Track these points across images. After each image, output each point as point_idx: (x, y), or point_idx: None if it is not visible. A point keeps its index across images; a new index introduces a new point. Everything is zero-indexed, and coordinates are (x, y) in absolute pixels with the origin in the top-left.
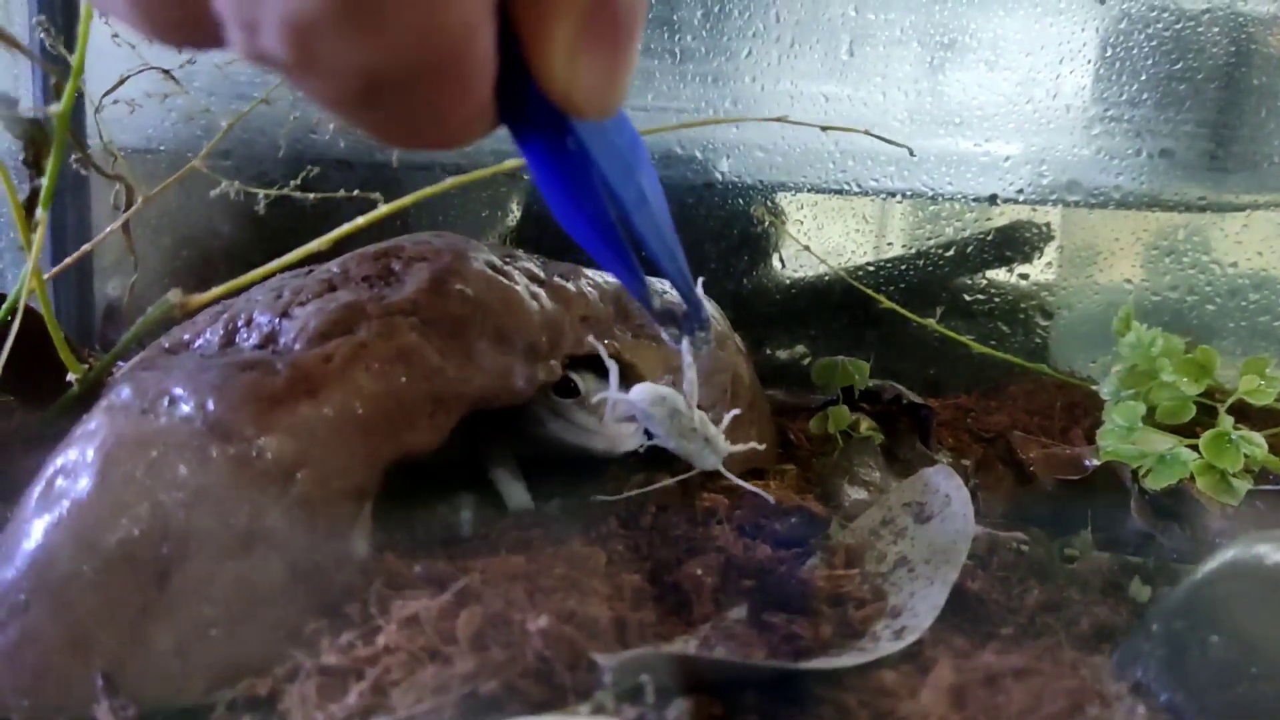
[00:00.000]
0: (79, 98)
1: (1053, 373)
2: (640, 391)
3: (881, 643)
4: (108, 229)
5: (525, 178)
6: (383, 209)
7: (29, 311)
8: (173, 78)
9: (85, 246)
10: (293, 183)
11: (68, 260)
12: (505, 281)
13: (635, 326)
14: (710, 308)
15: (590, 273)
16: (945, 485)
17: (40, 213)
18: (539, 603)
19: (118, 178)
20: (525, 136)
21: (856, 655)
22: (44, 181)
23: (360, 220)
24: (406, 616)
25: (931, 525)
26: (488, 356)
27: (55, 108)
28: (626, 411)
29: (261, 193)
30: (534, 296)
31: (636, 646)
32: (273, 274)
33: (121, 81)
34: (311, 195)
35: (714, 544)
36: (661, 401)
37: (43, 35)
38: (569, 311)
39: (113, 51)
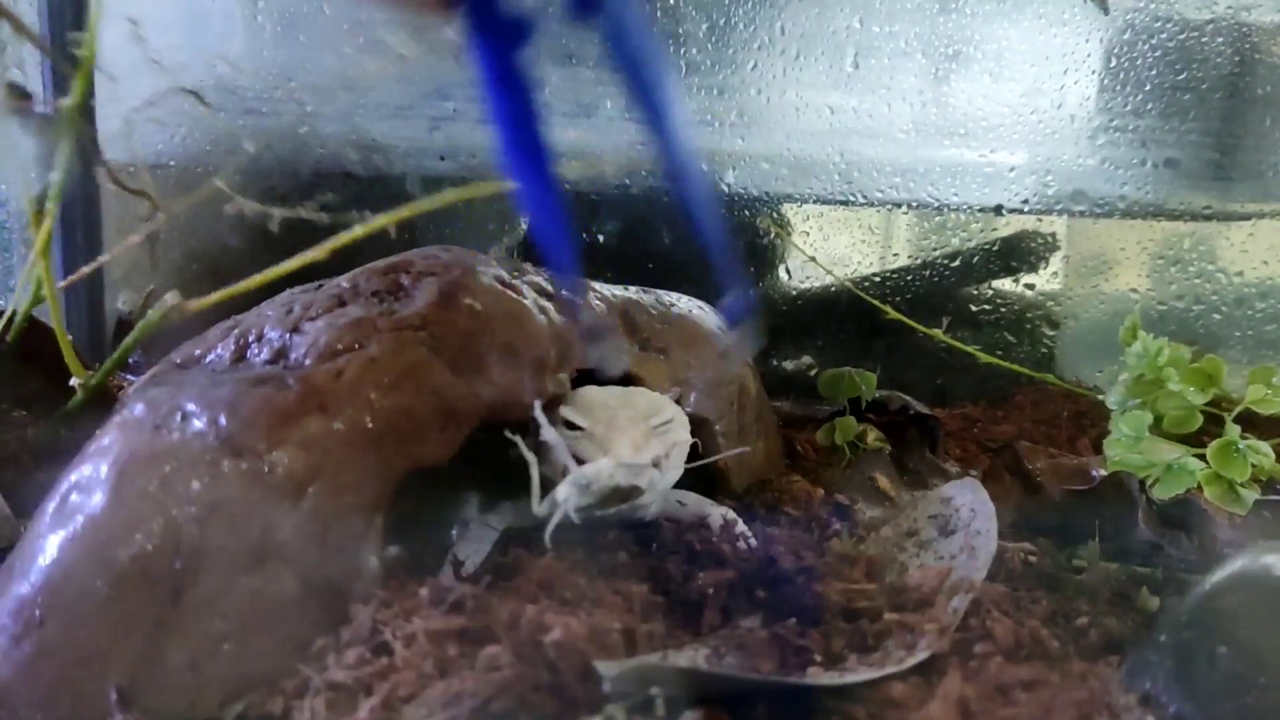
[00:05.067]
0: (95, 109)
1: (1059, 382)
2: (565, 492)
3: (894, 657)
4: (128, 241)
5: None
6: (381, 219)
7: (39, 326)
8: (198, 96)
9: (103, 257)
10: (292, 201)
11: (83, 270)
12: (513, 295)
13: (643, 339)
14: (717, 319)
15: (598, 286)
16: (971, 498)
17: (49, 206)
18: (550, 615)
19: (140, 193)
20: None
21: (867, 671)
22: (55, 176)
23: (358, 230)
24: (417, 632)
25: (956, 538)
26: (497, 370)
27: (67, 101)
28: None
29: (276, 212)
30: (542, 310)
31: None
32: (269, 282)
33: (150, 102)
34: (299, 208)
35: (726, 554)
36: (587, 489)
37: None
38: (577, 325)
39: (122, 60)
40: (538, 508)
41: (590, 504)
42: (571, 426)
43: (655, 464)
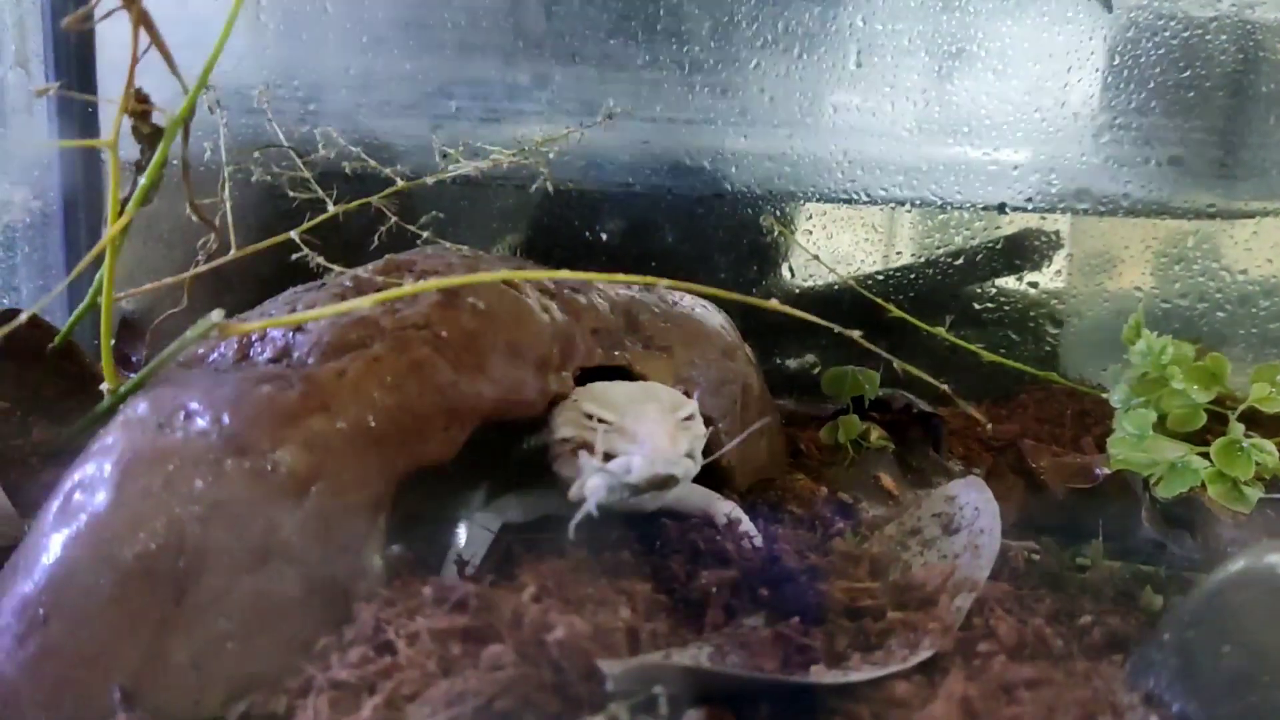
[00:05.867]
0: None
1: (1063, 381)
2: (595, 487)
3: (897, 656)
4: (190, 272)
5: (534, 189)
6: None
7: (43, 326)
8: (219, 105)
9: (92, 253)
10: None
11: (80, 265)
12: (516, 294)
13: (645, 338)
14: (721, 318)
15: (601, 285)
16: (975, 497)
17: (130, 208)
18: (554, 614)
19: (212, 226)
20: None
21: (870, 669)
22: (142, 180)
23: (332, 208)
24: (420, 630)
25: (960, 537)
26: (500, 369)
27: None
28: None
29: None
30: (545, 309)
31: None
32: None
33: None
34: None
35: (729, 553)
36: (621, 482)
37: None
38: (580, 324)
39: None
40: (574, 492)
41: (623, 496)
42: (592, 419)
43: (689, 454)
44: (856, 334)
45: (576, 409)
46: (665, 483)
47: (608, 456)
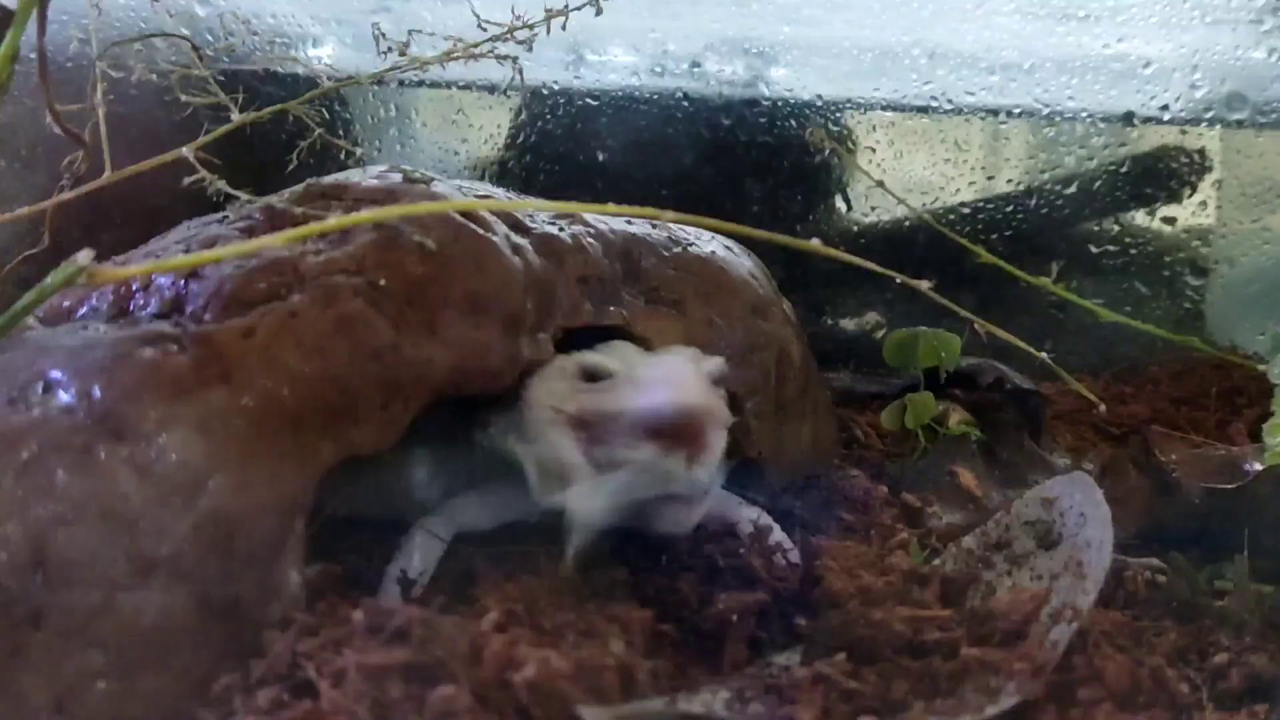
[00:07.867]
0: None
1: (1206, 348)
2: (581, 496)
3: (972, 704)
4: (56, 198)
5: (511, 94)
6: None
7: None
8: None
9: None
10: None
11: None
12: (479, 231)
13: (649, 289)
14: (750, 263)
15: (592, 218)
16: (1081, 500)
17: None
18: (523, 647)
19: (79, 141)
20: None
21: None
22: None
23: (238, 117)
24: (348, 667)
25: (1059, 552)
26: (455, 329)
27: None
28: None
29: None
30: (516, 250)
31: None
32: None
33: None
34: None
35: (756, 571)
36: (617, 489)
37: None
38: (563, 270)
39: None
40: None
41: (622, 488)
42: (591, 378)
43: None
44: (927, 285)
45: (566, 371)
46: (691, 432)
47: (609, 425)
